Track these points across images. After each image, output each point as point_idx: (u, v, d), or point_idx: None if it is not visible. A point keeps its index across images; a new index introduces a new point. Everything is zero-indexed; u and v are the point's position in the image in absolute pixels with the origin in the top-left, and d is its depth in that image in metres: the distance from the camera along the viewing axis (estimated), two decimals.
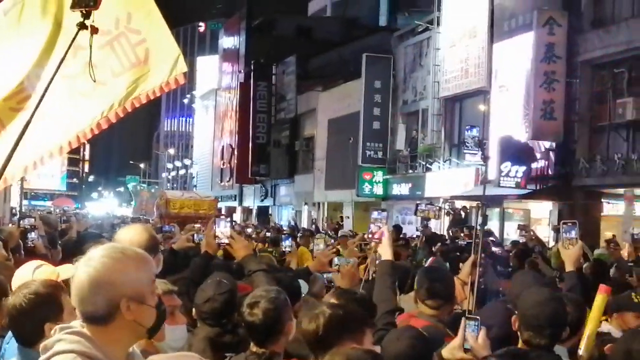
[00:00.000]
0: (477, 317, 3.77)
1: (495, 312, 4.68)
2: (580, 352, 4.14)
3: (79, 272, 2.45)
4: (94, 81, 3.75)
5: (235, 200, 51.51)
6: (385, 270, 4.50)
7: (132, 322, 2.43)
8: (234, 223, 20.70)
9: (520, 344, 3.83)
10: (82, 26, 3.44)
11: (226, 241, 5.26)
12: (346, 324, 3.08)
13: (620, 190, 20.53)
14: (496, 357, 3.42)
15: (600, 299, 4.34)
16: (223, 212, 44.76)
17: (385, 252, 4.56)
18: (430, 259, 8.92)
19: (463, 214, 24.58)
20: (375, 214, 5.16)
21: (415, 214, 24.33)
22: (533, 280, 5.25)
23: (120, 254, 2.50)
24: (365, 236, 5.41)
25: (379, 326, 4.02)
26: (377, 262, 4.79)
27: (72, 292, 2.48)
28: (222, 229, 5.38)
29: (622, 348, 3.65)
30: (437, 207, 27.18)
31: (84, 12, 3.42)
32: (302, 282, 5.89)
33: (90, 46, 3.57)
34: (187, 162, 71.38)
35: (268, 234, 17.67)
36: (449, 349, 3.71)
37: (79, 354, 2.36)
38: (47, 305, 3.11)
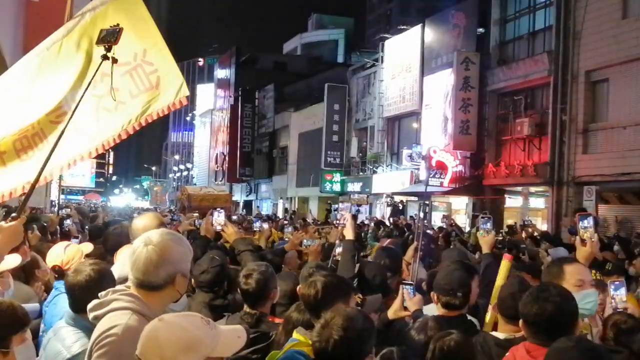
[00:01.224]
0: (412, 283, 3.72)
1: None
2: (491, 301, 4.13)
3: (145, 250, 2.41)
4: (114, 100, 3.72)
5: None
6: (348, 246, 4.45)
7: (176, 291, 2.46)
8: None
9: (439, 311, 3.69)
10: (105, 57, 3.43)
11: (220, 228, 5.15)
12: (337, 288, 3.02)
13: (518, 189, 20.81)
14: (429, 318, 3.31)
15: (504, 263, 4.36)
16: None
17: (348, 233, 4.50)
18: (388, 240, 8.88)
19: (401, 205, 24.73)
20: (341, 206, 5.18)
21: (350, 201, 24.32)
22: (458, 255, 5.20)
23: (176, 237, 2.52)
24: (335, 222, 5.36)
25: None
26: (342, 240, 4.68)
27: (134, 265, 2.42)
28: (217, 218, 5.29)
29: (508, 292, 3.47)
30: (366, 196, 27.45)
31: (106, 46, 3.41)
32: None
33: (112, 73, 3.54)
34: (189, 165, 70.59)
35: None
36: (392, 310, 3.65)
37: (133, 311, 2.36)
38: (107, 278, 3.07)
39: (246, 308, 3.67)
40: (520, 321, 2.82)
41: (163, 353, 1.84)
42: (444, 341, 2.84)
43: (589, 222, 3.59)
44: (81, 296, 2.99)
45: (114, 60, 3.46)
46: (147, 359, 1.86)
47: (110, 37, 3.40)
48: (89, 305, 2.50)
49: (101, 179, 69.44)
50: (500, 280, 4.26)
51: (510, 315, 3.44)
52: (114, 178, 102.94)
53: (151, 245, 2.41)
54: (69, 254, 3.92)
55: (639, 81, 15.89)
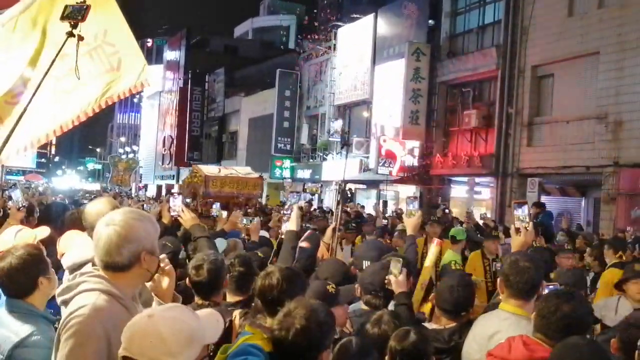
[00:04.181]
0: (400, 259, 3.60)
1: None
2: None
3: (106, 230, 2.36)
4: (79, 79, 3.61)
5: (173, 179, 50.15)
6: (289, 237, 4.42)
7: (145, 270, 2.42)
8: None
9: (362, 306, 3.67)
10: (70, 34, 3.32)
11: (176, 214, 5.01)
12: (295, 280, 2.96)
13: (464, 179, 21.15)
14: (384, 312, 3.30)
15: (436, 248, 4.34)
16: (173, 190, 43.70)
17: (292, 224, 4.47)
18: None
19: (349, 193, 24.81)
20: (290, 197, 5.11)
21: (304, 190, 24.31)
22: (373, 246, 4.96)
23: (140, 216, 2.46)
24: (282, 212, 5.28)
25: None
26: (285, 231, 4.63)
27: (97, 247, 2.38)
28: (173, 204, 5.11)
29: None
30: (319, 185, 27.51)
31: (72, 23, 3.31)
32: (220, 240, 5.63)
33: (77, 51, 3.44)
34: (135, 148, 69.03)
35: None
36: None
37: (102, 292, 2.33)
38: (40, 262, 3.01)
39: (197, 300, 3.54)
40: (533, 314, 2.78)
41: (170, 349, 1.80)
42: (404, 341, 2.85)
43: (523, 211, 3.60)
44: (7, 282, 2.95)
45: (80, 38, 3.35)
46: (150, 357, 1.80)
47: (76, 14, 3.29)
48: (57, 290, 2.44)
49: (43, 160, 67.02)
50: (428, 261, 4.24)
51: (446, 309, 3.48)
52: (57, 159, 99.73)
53: (112, 225, 2.36)
54: (20, 240, 3.68)
55: (583, 77, 16.33)
